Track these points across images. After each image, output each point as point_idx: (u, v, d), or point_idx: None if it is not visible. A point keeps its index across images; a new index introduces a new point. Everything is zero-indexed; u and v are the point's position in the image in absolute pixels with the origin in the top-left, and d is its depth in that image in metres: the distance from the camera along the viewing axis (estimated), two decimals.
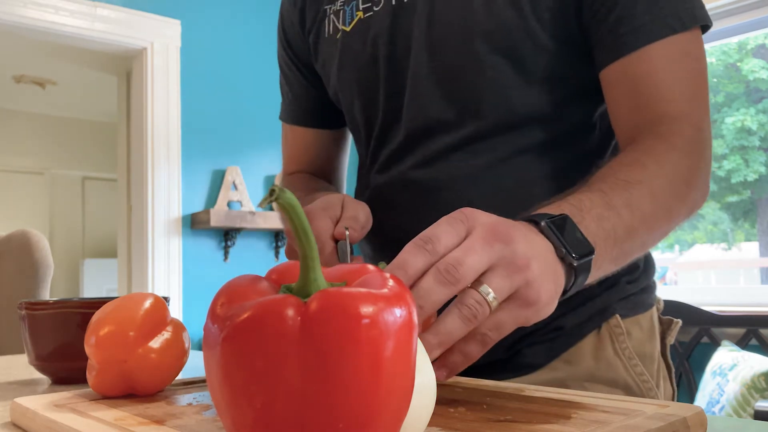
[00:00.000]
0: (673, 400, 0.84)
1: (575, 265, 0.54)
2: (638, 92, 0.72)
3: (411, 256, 0.48)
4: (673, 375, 0.85)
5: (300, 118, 1.02)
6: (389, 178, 0.84)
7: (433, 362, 0.49)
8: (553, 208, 0.58)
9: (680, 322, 0.87)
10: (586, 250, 0.55)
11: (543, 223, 0.54)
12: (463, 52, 0.76)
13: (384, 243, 0.84)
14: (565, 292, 0.55)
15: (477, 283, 0.49)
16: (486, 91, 0.77)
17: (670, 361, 0.85)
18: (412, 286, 0.48)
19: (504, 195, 0.77)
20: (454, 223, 0.50)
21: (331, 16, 0.89)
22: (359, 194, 0.91)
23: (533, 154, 0.78)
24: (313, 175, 1.02)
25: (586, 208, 0.59)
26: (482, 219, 0.51)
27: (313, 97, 0.99)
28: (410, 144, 0.82)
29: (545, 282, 0.51)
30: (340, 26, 0.87)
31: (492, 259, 0.49)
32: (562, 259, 0.54)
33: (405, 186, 0.82)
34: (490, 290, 0.48)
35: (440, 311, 0.50)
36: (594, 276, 0.59)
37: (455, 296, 0.49)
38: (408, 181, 0.82)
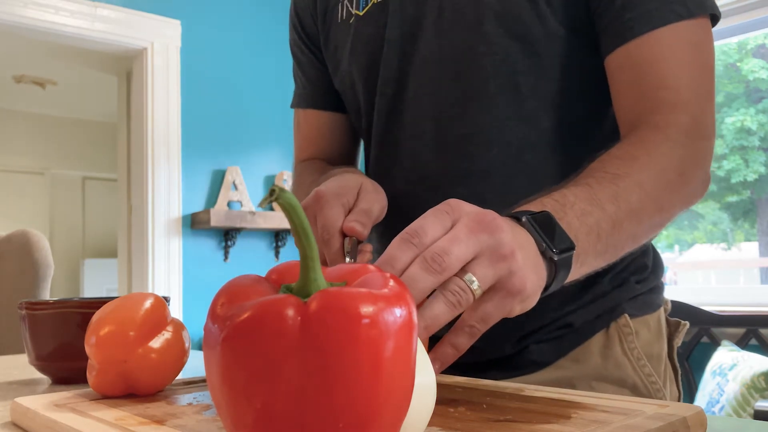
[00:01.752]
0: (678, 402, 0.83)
1: (555, 259, 0.54)
2: (640, 79, 0.71)
3: (398, 251, 0.49)
4: (680, 377, 0.85)
5: (315, 101, 0.99)
6: (400, 172, 0.83)
7: None
8: (536, 205, 0.59)
9: (687, 324, 0.86)
10: (566, 245, 0.55)
11: (524, 219, 0.55)
12: (474, 34, 0.76)
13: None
14: (546, 287, 0.56)
15: (462, 272, 0.49)
16: (495, 73, 0.76)
17: (677, 364, 0.84)
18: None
19: (516, 192, 0.75)
20: (440, 215, 0.51)
21: (345, 1, 0.88)
22: None
23: (545, 148, 0.77)
24: (327, 163, 0.99)
25: (569, 203, 0.59)
26: (467, 209, 0.52)
27: (327, 80, 0.97)
28: (416, 131, 0.81)
29: (529, 272, 0.51)
30: (353, 10, 0.86)
31: (477, 248, 0.49)
32: (542, 253, 0.54)
33: (416, 181, 0.81)
34: (474, 279, 0.49)
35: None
36: (578, 272, 0.59)
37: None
38: (420, 175, 0.81)
